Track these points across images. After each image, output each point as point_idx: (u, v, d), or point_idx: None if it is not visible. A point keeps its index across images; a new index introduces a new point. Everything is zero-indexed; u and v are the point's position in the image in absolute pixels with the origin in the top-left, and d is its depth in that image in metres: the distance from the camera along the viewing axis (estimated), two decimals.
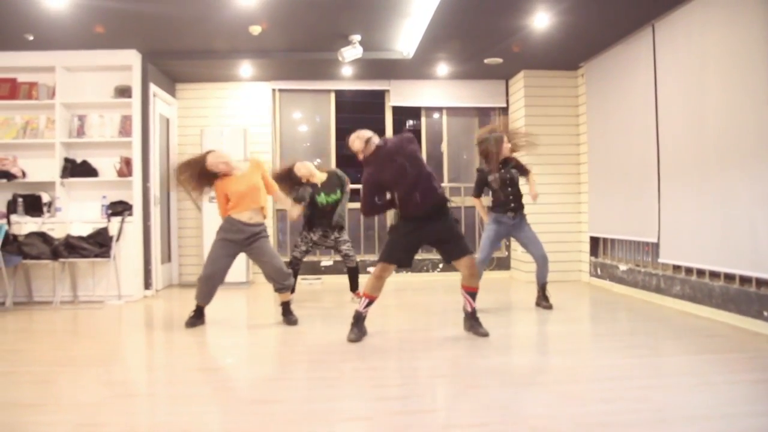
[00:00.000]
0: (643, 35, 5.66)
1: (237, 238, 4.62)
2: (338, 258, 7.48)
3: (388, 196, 4.23)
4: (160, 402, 3.04)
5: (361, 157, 4.14)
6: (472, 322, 4.32)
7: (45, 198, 6.26)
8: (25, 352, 4.06)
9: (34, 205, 6.23)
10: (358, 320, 4.23)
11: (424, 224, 4.13)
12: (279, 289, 4.75)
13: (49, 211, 6.26)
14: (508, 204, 5.17)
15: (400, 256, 4.18)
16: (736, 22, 4.44)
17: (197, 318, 4.78)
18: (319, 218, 5.73)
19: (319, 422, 2.66)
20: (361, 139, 4.12)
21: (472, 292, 4.30)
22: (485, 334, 4.22)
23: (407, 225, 4.16)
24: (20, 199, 6.17)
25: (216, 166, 4.63)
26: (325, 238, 5.79)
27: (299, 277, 7.25)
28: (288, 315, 4.80)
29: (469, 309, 4.33)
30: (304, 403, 3.00)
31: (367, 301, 4.22)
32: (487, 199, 5.56)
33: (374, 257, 7.73)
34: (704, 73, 4.79)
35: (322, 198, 5.68)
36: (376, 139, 4.14)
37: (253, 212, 4.65)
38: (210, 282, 4.65)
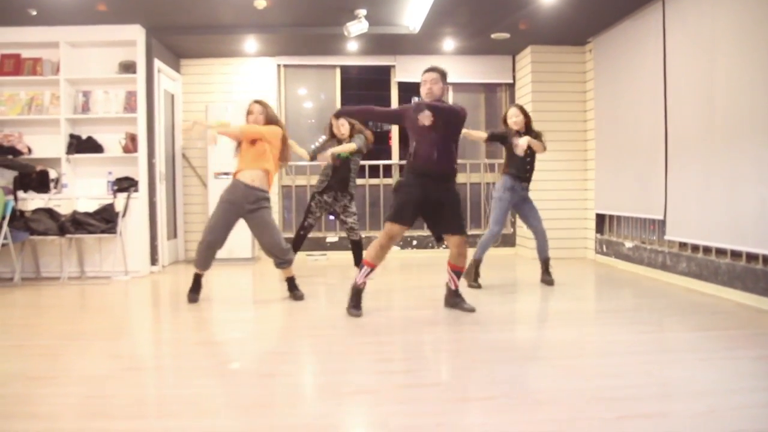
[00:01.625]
0: (653, 10, 5.57)
1: (239, 201, 4.54)
2: (344, 234, 7.51)
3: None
4: (167, 375, 3.08)
5: (423, 93, 4.16)
6: (456, 299, 4.32)
7: (52, 174, 6.26)
8: (33, 326, 4.10)
9: (41, 181, 6.23)
10: (357, 293, 4.19)
11: (431, 184, 4.07)
12: (279, 264, 4.72)
13: (56, 188, 6.26)
14: (525, 172, 5.16)
15: (407, 213, 4.06)
16: None
17: (196, 291, 4.74)
18: (333, 176, 5.77)
19: (326, 395, 2.68)
20: (434, 80, 4.15)
21: (458, 272, 4.30)
22: (471, 310, 4.22)
23: (414, 179, 4.10)
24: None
25: (251, 110, 4.67)
26: (336, 201, 5.82)
27: (305, 253, 7.29)
28: (294, 290, 4.81)
29: (453, 287, 4.32)
30: (310, 376, 3.02)
31: (368, 269, 4.14)
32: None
33: (377, 233, 7.73)
34: (714, 49, 4.73)
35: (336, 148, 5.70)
36: (437, 86, 4.17)
37: (254, 173, 4.57)
38: (210, 248, 4.61)
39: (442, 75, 4.18)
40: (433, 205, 4.12)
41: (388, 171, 7.95)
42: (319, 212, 5.89)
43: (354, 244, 5.92)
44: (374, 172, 7.84)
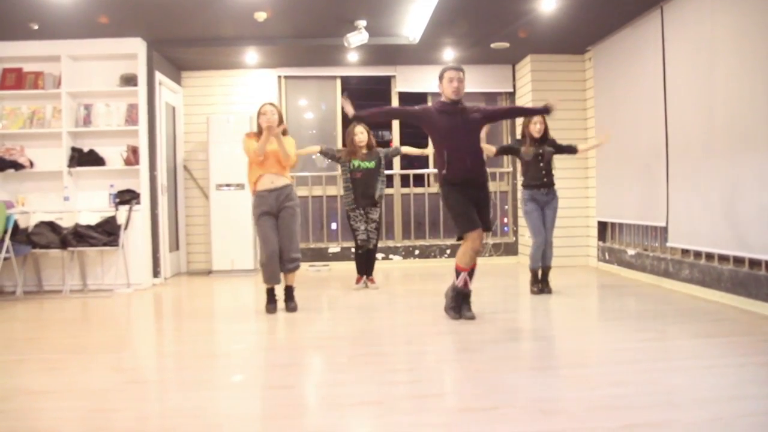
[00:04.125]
0: (652, 18, 5.59)
1: (269, 209, 4.66)
2: (346, 245, 7.52)
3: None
4: (170, 388, 3.07)
5: (450, 91, 4.16)
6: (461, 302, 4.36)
7: None
8: (36, 340, 4.10)
9: None
10: (460, 296, 4.28)
11: (468, 188, 4.20)
12: (281, 268, 4.74)
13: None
14: (541, 179, 5.21)
15: (471, 217, 4.15)
16: (746, 5, 4.38)
17: (272, 302, 4.80)
18: (355, 190, 5.69)
19: (329, 407, 2.67)
20: (461, 79, 4.17)
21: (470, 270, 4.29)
22: (471, 317, 4.28)
23: (455, 186, 4.21)
24: None
25: (263, 115, 4.73)
26: (368, 214, 5.75)
27: (307, 264, 7.29)
28: (288, 301, 4.82)
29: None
30: (313, 388, 3.01)
31: (465, 274, 4.21)
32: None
33: (380, 244, 7.72)
34: (713, 56, 4.74)
35: (356, 162, 5.66)
36: (463, 84, 4.20)
37: (274, 176, 4.67)
38: (271, 262, 4.66)
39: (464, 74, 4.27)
40: (474, 204, 4.23)
41: (390, 180, 7.94)
42: (362, 225, 5.73)
43: (367, 252, 5.84)
44: None
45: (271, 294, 4.82)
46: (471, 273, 4.27)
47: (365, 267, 5.88)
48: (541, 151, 5.20)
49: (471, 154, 4.19)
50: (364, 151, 5.69)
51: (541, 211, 5.30)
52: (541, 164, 5.21)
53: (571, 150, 5.37)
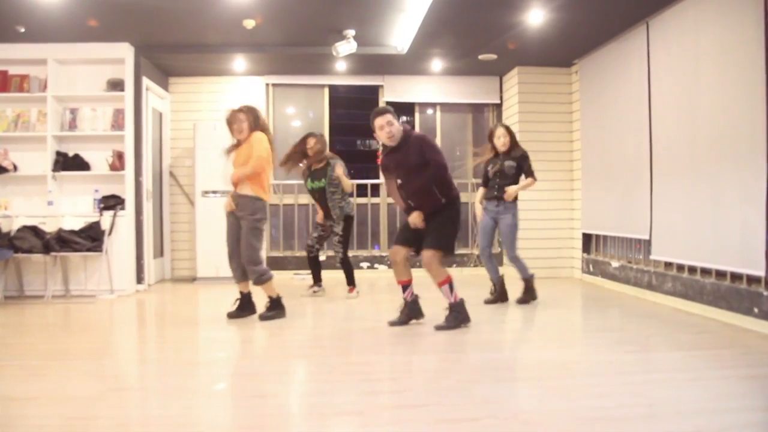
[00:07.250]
0: (637, 33, 5.66)
1: (231, 210, 4.64)
2: (329, 253, 7.52)
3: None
4: (152, 396, 3.04)
5: (388, 135, 4.19)
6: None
7: None
8: (16, 345, 4.04)
9: None
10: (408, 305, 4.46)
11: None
12: (252, 282, 4.70)
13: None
14: (492, 192, 5.26)
15: (401, 237, 4.38)
16: (730, 20, 4.45)
17: (242, 310, 4.76)
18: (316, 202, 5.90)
19: (311, 417, 2.66)
20: (393, 121, 4.19)
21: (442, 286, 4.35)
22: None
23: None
24: None
25: (232, 118, 4.64)
26: (327, 220, 5.85)
27: (292, 273, 7.28)
28: (267, 310, 4.74)
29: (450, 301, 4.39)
30: (295, 397, 3.00)
31: (400, 287, 4.43)
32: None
33: (365, 253, 7.74)
34: (697, 71, 4.81)
35: (308, 183, 5.78)
36: (395, 126, 4.19)
37: (242, 184, 4.60)
38: (230, 260, 4.65)
39: (392, 113, 4.24)
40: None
41: (375, 190, 7.96)
42: (316, 233, 5.90)
43: (340, 263, 5.88)
44: (362, 191, 7.83)
45: (244, 299, 4.76)
46: (404, 287, 4.45)
47: (316, 273, 5.98)
48: (498, 166, 5.21)
49: (411, 195, 4.26)
50: (317, 165, 5.71)
51: (495, 224, 5.33)
52: (498, 180, 5.22)
53: (528, 173, 5.24)
